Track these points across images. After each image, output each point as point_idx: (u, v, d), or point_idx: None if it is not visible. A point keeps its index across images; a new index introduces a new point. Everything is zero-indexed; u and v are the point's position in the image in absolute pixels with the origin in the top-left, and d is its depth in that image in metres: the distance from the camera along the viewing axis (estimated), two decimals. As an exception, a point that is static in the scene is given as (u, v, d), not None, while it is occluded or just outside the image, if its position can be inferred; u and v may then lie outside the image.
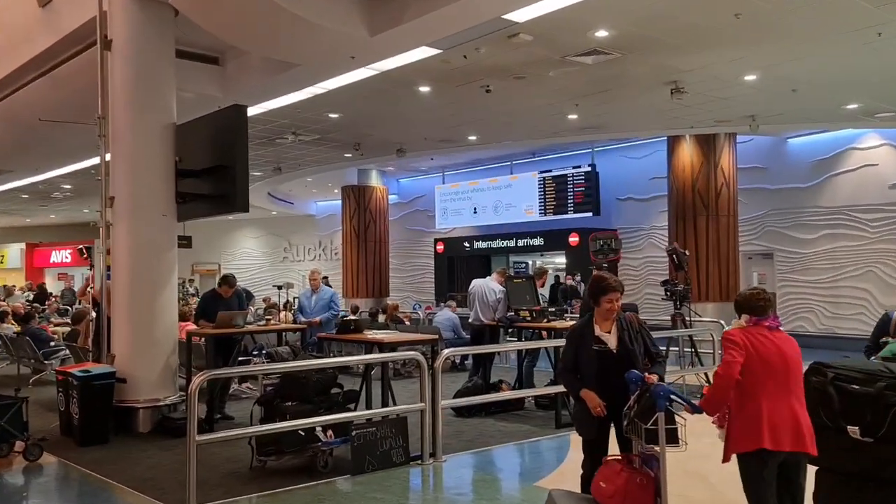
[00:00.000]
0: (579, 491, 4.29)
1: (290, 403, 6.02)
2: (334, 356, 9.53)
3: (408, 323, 13.90)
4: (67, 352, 10.70)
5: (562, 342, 7.13)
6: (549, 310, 9.11)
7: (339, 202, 21.59)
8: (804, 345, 3.77)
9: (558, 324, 8.50)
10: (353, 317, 12.53)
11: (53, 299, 20.58)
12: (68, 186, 20.77)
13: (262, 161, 16.53)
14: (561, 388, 7.39)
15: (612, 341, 4.21)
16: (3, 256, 34.07)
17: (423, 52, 8.91)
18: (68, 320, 13.97)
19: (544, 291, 10.13)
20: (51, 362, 10.67)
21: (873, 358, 4.88)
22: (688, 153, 14.54)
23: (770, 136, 14.92)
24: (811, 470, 3.81)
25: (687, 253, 11.07)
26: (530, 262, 20.52)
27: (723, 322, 10.24)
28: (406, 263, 22.96)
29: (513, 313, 8.95)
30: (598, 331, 4.25)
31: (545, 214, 18.39)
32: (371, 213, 20.64)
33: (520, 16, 7.71)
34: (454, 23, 7.59)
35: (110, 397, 7.23)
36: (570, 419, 7.24)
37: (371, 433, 5.95)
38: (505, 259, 20.18)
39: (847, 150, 14.54)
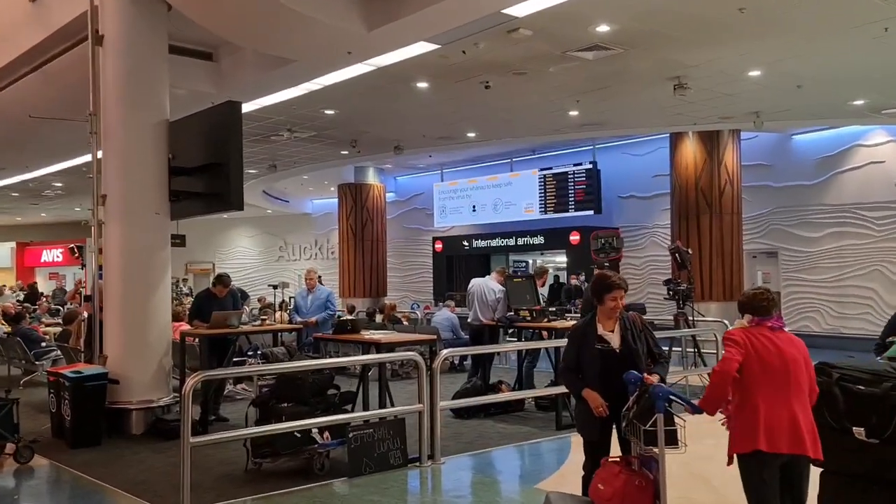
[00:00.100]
0: (580, 493, 4.30)
1: (285, 405, 6.02)
2: (331, 357, 9.53)
3: (406, 323, 13.91)
4: (59, 352, 10.70)
5: (562, 342, 7.15)
6: (550, 309, 9.12)
7: (336, 200, 21.58)
8: (809, 345, 3.77)
9: (559, 324, 8.50)
10: (349, 317, 12.54)
11: (44, 299, 20.58)
12: (59, 184, 20.75)
13: (257, 158, 16.52)
14: (561, 389, 7.40)
15: (615, 340, 4.23)
16: (-8, 256, 34.03)
17: (421, 48, 8.92)
18: (60, 320, 13.97)
19: (544, 291, 10.13)
20: (42, 363, 10.67)
21: (879, 358, 4.89)
22: (691, 150, 14.55)
23: (775, 132, 14.94)
24: (816, 472, 3.82)
25: (690, 252, 11.09)
26: (530, 262, 20.53)
27: (726, 322, 10.27)
28: (404, 262, 22.96)
29: (512, 313, 8.95)
30: (601, 329, 4.26)
31: (545, 213, 18.39)
32: (368, 212, 20.64)
33: (519, 10, 7.72)
34: (453, 17, 7.59)
35: (102, 399, 7.23)
36: (572, 420, 7.28)
37: (368, 435, 5.95)
38: (504, 258, 20.19)
39: (853, 146, 14.55)
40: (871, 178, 14.28)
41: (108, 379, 7.32)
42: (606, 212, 17.55)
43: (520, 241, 19.41)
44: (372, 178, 20.74)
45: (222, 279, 8.55)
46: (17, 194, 22.91)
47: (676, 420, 3.83)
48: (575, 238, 17.74)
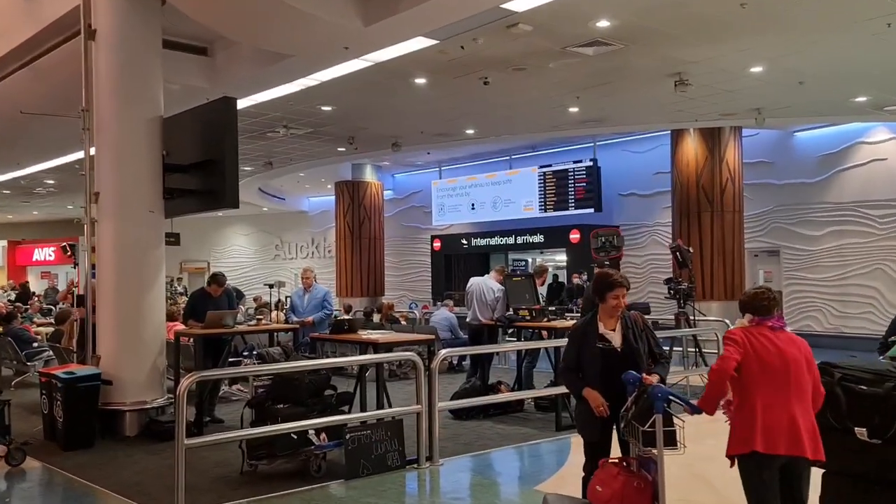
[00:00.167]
0: (580, 495, 4.30)
1: (281, 406, 6.02)
2: (328, 357, 9.52)
3: (403, 322, 13.91)
4: (51, 353, 10.68)
5: (562, 342, 7.15)
6: (549, 309, 9.12)
7: (333, 198, 21.58)
8: (811, 344, 3.77)
9: (558, 323, 8.51)
10: (346, 316, 12.54)
11: (36, 299, 20.54)
12: (51, 182, 20.72)
13: (253, 155, 16.50)
14: (561, 390, 7.41)
15: (616, 339, 4.23)
16: (-16, 254, 33.97)
17: (419, 43, 8.91)
18: (52, 320, 13.94)
19: (542, 290, 10.13)
20: (34, 364, 10.66)
21: (881, 358, 4.91)
22: (692, 147, 14.56)
23: (776, 129, 14.95)
24: (817, 472, 3.82)
25: (691, 250, 11.09)
26: (530, 260, 20.53)
27: (727, 321, 10.28)
28: (402, 261, 22.96)
29: (512, 312, 8.96)
30: (602, 328, 4.26)
31: (545, 210, 18.39)
32: (365, 210, 20.63)
33: (519, 5, 7.71)
34: (451, 12, 7.59)
35: (95, 400, 7.22)
36: (572, 421, 7.28)
37: (366, 436, 5.95)
38: (504, 257, 20.19)
39: (855, 144, 14.57)
40: (873, 175, 14.30)
41: (101, 380, 7.31)
42: (607, 210, 17.56)
43: (519, 240, 19.41)
44: (369, 175, 20.73)
45: (217, 278, 8.54)
46: (8, 192, 22.88)
47: (675, 421, 3.83)
48: (575, 236, 17.74)
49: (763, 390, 3.54)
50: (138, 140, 7.79)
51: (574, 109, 12.80)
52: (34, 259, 32.66)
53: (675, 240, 12.71)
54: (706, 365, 9.48)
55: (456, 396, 8.10)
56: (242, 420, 6.33)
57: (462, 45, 9.04)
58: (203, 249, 28.40)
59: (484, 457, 6.65)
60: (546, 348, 8.54)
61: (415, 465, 6.12)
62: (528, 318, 8.74)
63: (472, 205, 20.06)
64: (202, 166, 7.74)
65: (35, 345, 11.29)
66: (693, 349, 9.74)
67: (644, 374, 4.01)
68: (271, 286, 12.93)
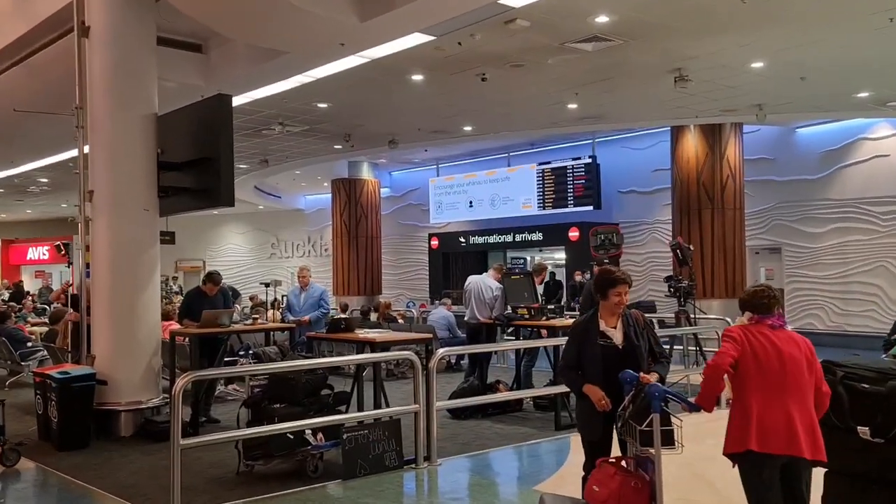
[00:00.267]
0: (580, 495, 4.31)
1: (278, 406, 6.02)
2: (324, 356, 9.53)
3: (401, 321, 13.92)
4: (45, 353, 10.68)
5: (561, 341, 7.15)
6: (548, 307, 9.13)
7: (329, 196, 21.58)
8: (814, 343, 3.77)
9: (558, 322, 8.51)
10: (343, 315, 12.53)
11: (30, 298, 20.51)
12: (45, 180, 20.69)
13: (248, 153, 16.49)
14: (561, 389, 7.42)
15: (617, 337, 4.24)
16: (-23, 254, 33.91)
17: (415, 39, 8.90)
18: (46, 320, 13.93)
19: (540, 289, 10.13)
20: (28, 363, 10.65)
21: (884, 356, 4.92)
22: (692, 144, 14.57)
23: (778, 125, 14.96)
24: (820, 472, 3.82)
25: (691, 248, 11.12)
26: (528, 258, 20.53)
27: (728, 319, 10.29)
28: (399, 260, 22.96)
29: (510, 311, 8.96)
30: (603, 326, 4.27)
31: (544, 208, 18.40)
32: (362, 208, 20.62)
33: (517, 0, 7.70)
34: (448, 8, 7.58)
35: (90, 400, 7.21)
36: (571, 420, 7.29)
37: (363, 436, 5.95)
38: (502, 255, 20.20)
39: (858, 140, 14.59)
40: (876, 172, 14.32)
41: (95, 380, 7.30)
42: (606, 207, 17.57)
43: (517, 238, 19.42)
44: (366, 173, 20.71)
45: (213, 277, 8.54)
46: (1, 190, 22.85)
47: (673, 420, 3.84)
48: (574, 234, 17.75)
49: (759, 389, 3.54)
50: (133, 138, 7.79)
51: (573, 106, 12.80)
52: (28, 258, 32.62)
53: (676, 237, 12.73)
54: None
55: (454, 396, 8.10)
56: (238, 420, 6.33)
57: (459, 41, 9.03)
58: (198, 248, 28.38)
59: (482, 457, 6.65)
60: (545, 347, 8.54)
61: (412, 466, 6.12)
62: (527, 316, 8.75)
63: (470, 202, 20.05)
64: (197, 164, 7.74)
65: (29, 344, 11.28)
66: (694, 348, 9.75)
67: (642, 373, 4.01)
68: (267, 285, 12.91)
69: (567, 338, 4.58)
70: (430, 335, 8.96)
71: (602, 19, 8.43)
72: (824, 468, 3.83)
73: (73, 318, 8.48)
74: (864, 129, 14.49)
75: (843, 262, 14.68)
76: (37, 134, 13.69)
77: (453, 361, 12.00)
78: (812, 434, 3.51)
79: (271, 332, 8.58)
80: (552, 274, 17.67)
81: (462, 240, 20.70)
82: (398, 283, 22.79)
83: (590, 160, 17.51)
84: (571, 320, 7.60)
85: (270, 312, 11.87)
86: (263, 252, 28.09)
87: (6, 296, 21.18)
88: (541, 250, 20.17)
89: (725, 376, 3.64)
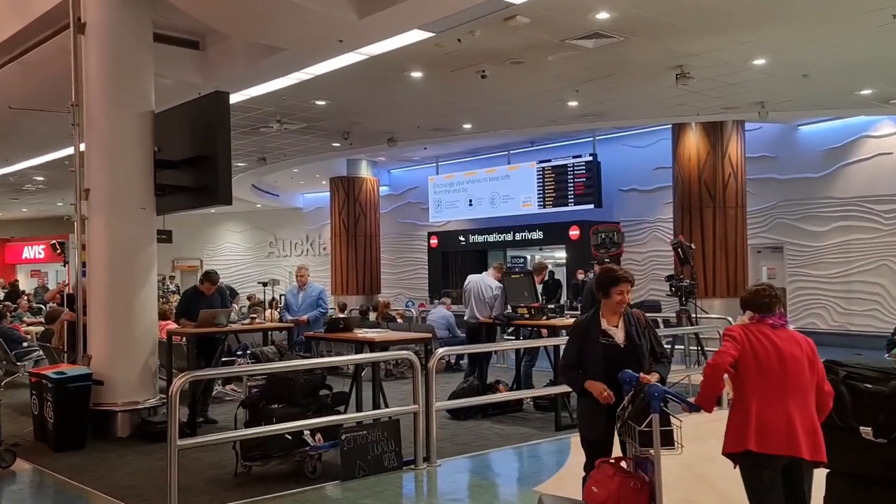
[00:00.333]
0: (580, 496, 4.31)
1: (276, 406, 6.02)
2: (323, 356, 9.53)
3: (400, 321, 13.92)
4: (41, 352, 10.67)
5: (562, 341, 7.15)
6: (549, 306, 9.13)
7: (328, 194, 21.55)
8: (816, 342, 3.77)
9: (558, 321, 8.51)
10: (342, 315, 12.53)
11: (26, 297, 20.51)
12: (41, 178, 20.67)
13: (246, 151, 16.48)
14: (561, 389, 7.42)
15: (619, 336, 4.24)
16: (-28, 253, 33.89)
17: (414, 36, 8.89)
18: (42, 319, 13.92)
19: (540, 288, 10.14)
20: (24, 364, 10.65)
21: (887, 355, 4.92)
22: (694, 142, 14.57)
23: (780, 123, 14.96)
24: (822, 473, 3.83)
25: (693, 246, 11.11)
26: (529, 257, 20.54)
27: (730, 319, 10.29)
28: (398, 258, 22.96)
29: (510, 310, 8.96)
30: (604, 324, 4.28)
31: (544, 206, 18.39)
32: (361, 206, 20.61)
33: (517, -3, 7.71)
34: (447, 4, 7.58)
35: (87, 400, 7.21)
36: (572, 421, 7.29)
37: (362, 437, 5.95)
38: (502, 254, 20.20)
39: (860, 137, 14.59)
40: (878, 170, 14.32)
41: (92, 380, 7.30)
42: (607, 206, 17.56)
43: (518, 237, 19.42)
44: (365, 171, 20.70)
45: (210, 276, 8.53)
46: (-4, 188, 22.84)
47: (673, 420, 3.84)
48: (574, 233, 17.75)
49: (759, 389, 3.54)
50: (129, 136, 7.78)
51: (573, 103, 12.80)
52: (23, 257, 32.61)
53: (677, 236, 12.72)
54: (708, 363, 9.49)
55: (454, 396, 8.10)
56: (236, 420, 6.33)
57: (459, 37, 9.03)
58: (195, 247, 28.37)
59: (482, 457, 6.65)
60: (545, 347, 8.55)
61: (412, 466, 6.12)
62: (527, 316, 8.75)
63: (470, 201, 20.05)
64: (194, 162, 7.74)
65: (25, 344, 11.28)
66: (695, 347, 9.75)
67: (642, 374, 4.01)
68: (265, 284, 12.95)
69: (568, 337, 4.59)
70: (430, 335, 8.96)
71: (603, 16, 8.42)
72: (826, 469, 3.84)
73: (69, 318, 8.47)
74: (866, 126, 14.50)
75: (846, 261, 14.68)
76: (32, 132, 13.68)
77: (453, 361, 12.00)
78: (812, 434, 3.51)
79: (269, 332, 8.58)
80: (551, 273, 17.69)
81: (462, 238, 20.70)
82: (397, 282, 22.78)
83: (590, 158, 17.50)
84: (572, 320, 7.62)
85: (268, 312, 11.89)
86: (261, 251, 28.09)
87: (1, 295, 21.19)
88: (541, 249, 20.17)
89: (726, 376, 3.64)
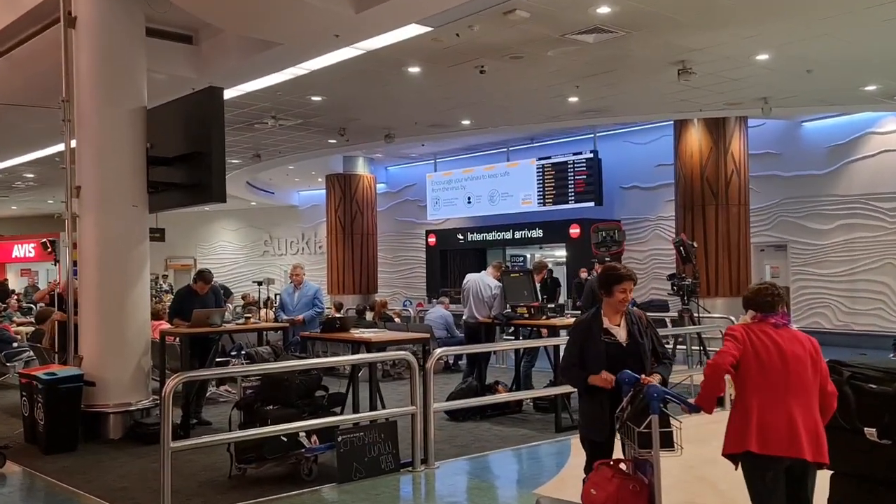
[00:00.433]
0: (580, 498, 4.32)
1: (271, 407, 6.03)
2: (319, 357, 9.53)
3: (397, 321, 13.92)
4: (31, 353, 10.67)
5: (562, 340, 7.16)
6: (549, 306, 9.13)
7: (324, 192, 21.55)
8: (819, 342, 3.78)
9: (558, 321, 8.52)
10: (338, 314, 12.53)
11: (15, 297, 20.47)
12: (31, 175, 20.65)
13: (240, 147, 16.47)
14: (561, 390, 7.43)
15: (621, 334, 4.26)
16: (-40, 251, 33.85)
17: (412, 30, 8.89)
18: (32, 319, 13.90)
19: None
20: (14, 364, 10.65)
21: (892, 355, 4.93)
22: (696, 138, 14.58)
23: (783, 119, 14.97)
24: (826, 475, 3.83)
25: (695, 245, 11.13)
26: (528, 256, 20.55)
27: (733, 318, 10.30)
28: (395, 257, 22.96)
29: (510, 310, 8.96)
30: (606, 323, 4.29)
31: (544, 204, 18.41)
32: (358, 204, 20.61)
33: (516, -9, 7.71)
34: (446, -2, 7.57)
35: (78, 402, 7.21)
36: (572, 422, 7.30)
37: (358, 439, 5.95)
38: (501, 252, 20.20)
39: (865, 134, 14.61)
40: (883, 167, 14.35)
41: (83, 381, 7.30)
42: (608, 203, 17.58)
43: (517, 235, 19.43)
44: (361, 168, 20.70)
45: (204, 275, 8.53)
46: (-15, 186, 22.81)
47: (672, 422, 3.84)
48: (575, 231, 17.76)
49: (760, 389, 3.54)
50: (121, 132, 7.77)
51: (574, 99, 12.80)
52: (13, 256, 32.53)
53: (679, 234, 12.74)
54: (711, 363, 9.50)
55: (452, 397, 8.10)
56: (230, 422, 6.33)
57: (457, 32, 9.02)
58: (189, 245, 28.35)
59: (481, 459, 6.66)
60: (545, 347, 8.55)
61: (409, 469, 6.13)
62: (527, 315, 8.75)
63: (469, 198, 20.05)
64: (188, 159, 7.73)
65: (15, 345, 11.28)
66: (697, 347, 9.76)
67: (643, 376, 4.02)
68: (260, 283, 12.93)
69: (568, 337, 4.59)
70: (428, 335, 8.97)
71: (603, 10, 8.42)
72: (830, 470, 3.85)
73: (60, 318, 8.47)
74: (871, 122, 14.52)
75: (850, 260, 14.70)
76: (22, 128, 13.65)
77: (451, 362, 12.01)
78: (815, 435, 3.51)
79: (264, 332, 8.58)
80: (549, 272, 17.69)
81: (460, 237, 20.70)
82: (394, 281, 22.79)
83: (591, 155, 17.51)
84: (572, 320, 7.62)
85: (263, 311, 11.88)
86: (256, 249, 28.08)
87: (-9, 295, 21.14)
88: (541, 247, 20.18)
89: (728, 377, 3.64)
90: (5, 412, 8.67)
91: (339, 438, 5.87)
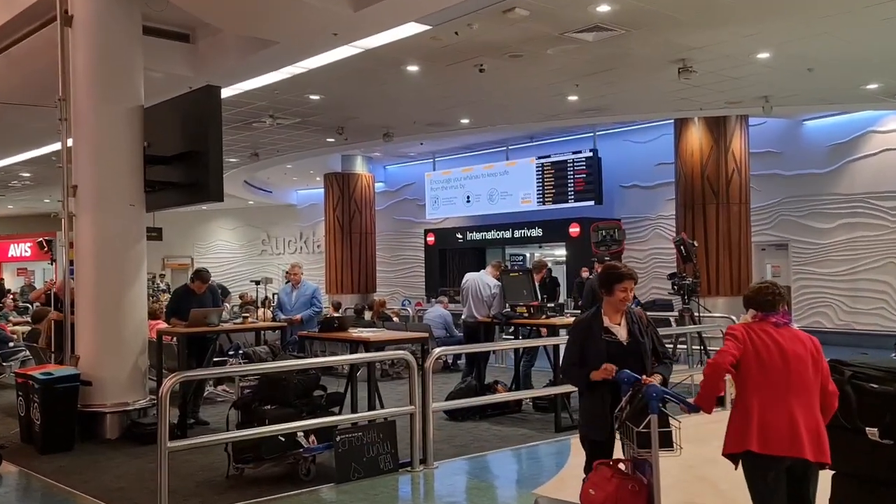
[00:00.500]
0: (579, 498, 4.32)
1: (269, 407, 6.03)
2: (317, 356, 9.52)
3: (396, 320, 13.92)
4: (28, 353, 10.66)
5: (562, 340, 7.16)
6: (548, 305, 9.14)
7: (322, 191, 21.55)
8: (821, 341, 3.78)
9: (558, 320, 8.52)
10: (336, 314, 12.53)
11: (11, 297, 20.46)
12: (27, 174, 20.64)
13: (238, 146, 16.46)
14: (561, 389, 7.43)
15: (622, 333, 4.26)
16: (-44, 251, 33.82)
17: (411, 29, 8.89)
18: (28, 319, 13.90)
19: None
20: (10, 364, 10.64)
21: (893, 355, 4.94)
22: (696, 137, 14.58)
23: (784, 118, 14.98)
24: (827, 474, 3.84)
25: (696, 244, 11.15)
26: (528, 255, 20.56)
27: (733, 318, 10.31)
28: (394, 256, 22.96)
29: (509, 309, 8.97)
30: (607, 322, 4.29)
31: (544, 203, 18.41)
32: (356, 203, 20.61)
33: (515, -11, 7.71)
34: (445, -4, 7.57)
35: (74, 401, 7.20)
36: (572, 422, 7.30)
37: (357, 438, 5.95)
38: (501, 251, 20.21)
39: (866, 133, 14.62)
40: (885, 165, 14.35)
41: (80, 380, 7.29)
42: (608, 202, 17.58)
43: (517, 234, 19.43)
44: (360, 167, 20.70)
45: (201, 274, 8.53)
46: (-18, 185, 22.79)
47: (671, 422, 3.84)
48: (575, 230, 17.77)
49: (761, 389, 3.54)
50: (118, 131, 7.77)
51: (573, 98, 12.80)
52: (10, 255, 32.54)
53: (679, 233, 12.75)
54: (711, 363, 9.50)
55: (451, 397, 8.11)
56: (228, 422, 6.33)
57: (456, 30, 9.02)
58: (186, 245, 28.35)
59: (480, 459, 6.66)
60: (545, 346, 8.55)
61: (408, 469, 6.13)
62: (526, 315, 8.75)
63: (468, 197, 20.06)
64: (185, 158, 7.72)
65: (11, 344, 11.27)
66: (698, 346, 9.77)
67: (644, 376, 4.02)
68: (258, 282, 12.95)
69: (568, 337, 4.59)
70: (427, 334, 8.96)
71: (603, 8, 8.42)
72: (832, 469, 3.85)
73: (57, 317, 8.46)
74: (873, 121, 14.53)
75: (852, 259, 14.71)
76: (18, 127, 13.64)
77: (450, 361, 12.01)
78: (816, 435, 3.51)
79: (262, 332, 8.58)
80: (549, 271, 17.69)
81: (459, 236, 20.70)
82: (393, 280, 22.79)
83: (591, 154, 17.51)
84: (572, 319, 7.63)
85: (261, 311, 11.89)
86: (254, 248, 28.07)
87: (-13, 294, 21.13)
88: (540, 247, 20.19)
89: (728, 376, 3.64)
90: (1, 412, 8.67)
91: (338, 438, 5.87)
